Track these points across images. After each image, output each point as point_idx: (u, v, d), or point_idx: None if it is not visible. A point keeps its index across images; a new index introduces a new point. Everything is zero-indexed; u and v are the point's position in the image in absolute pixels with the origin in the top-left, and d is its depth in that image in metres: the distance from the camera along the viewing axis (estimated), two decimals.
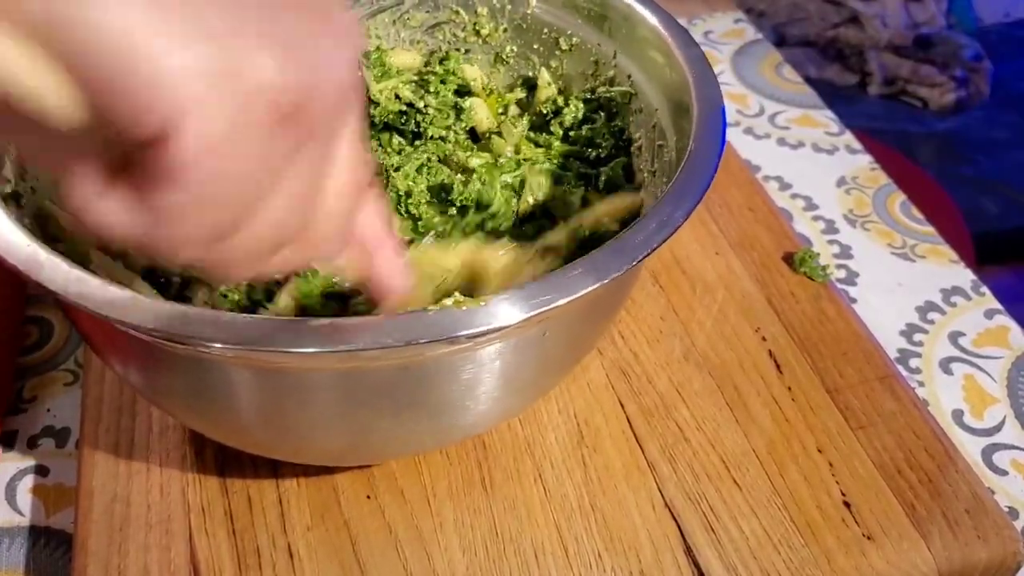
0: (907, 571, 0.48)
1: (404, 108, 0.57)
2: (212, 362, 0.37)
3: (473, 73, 0.59)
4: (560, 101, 0.57)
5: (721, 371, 0.57)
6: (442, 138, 0.56)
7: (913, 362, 0.63)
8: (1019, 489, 0.55)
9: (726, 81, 0.88)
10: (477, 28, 0.59)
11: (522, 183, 0.53)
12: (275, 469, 0.51)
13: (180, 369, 0.39)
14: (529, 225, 0.52)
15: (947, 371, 0.62)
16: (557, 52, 0.58)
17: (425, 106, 0.57)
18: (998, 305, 0.67)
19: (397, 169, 0.52)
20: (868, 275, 0.69)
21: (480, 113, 0.57)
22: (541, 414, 0.54)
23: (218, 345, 0.33)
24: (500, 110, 0.59)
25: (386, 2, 0.59)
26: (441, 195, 0.52)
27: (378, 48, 0.59)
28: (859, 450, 0.53)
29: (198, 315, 0.33)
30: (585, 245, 0.49)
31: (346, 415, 0.40)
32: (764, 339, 0.59)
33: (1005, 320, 0.66)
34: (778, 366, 0.57)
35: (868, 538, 0.49)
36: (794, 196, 0.76)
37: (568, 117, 0.56)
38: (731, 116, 0.83)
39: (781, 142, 0.81)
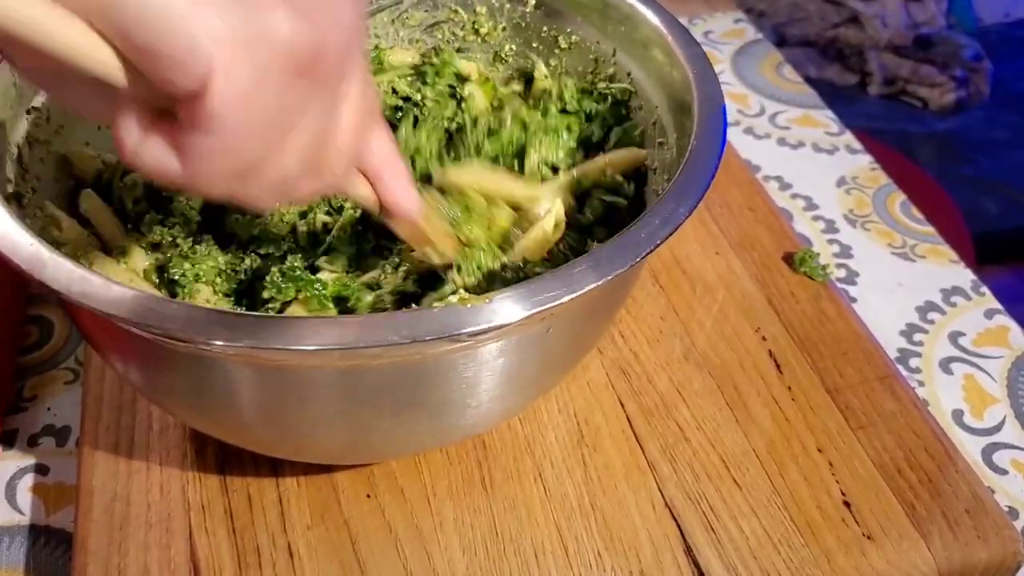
0: (907, 571, 0.48)
1: (400, 103, 0.57)
2: (213, 360, 0.37)
3: (469, 67, 0.59)
4: (555, 91, 0.57)
5: (721, 371, 0.57)
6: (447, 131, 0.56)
7: (913, 362, 0.63)
8: (1019, 489, 0.55)
9: (726, 81, 0.88)
10: (476, 27, 0.59)
11: (523, 148, 0.54)
12: (275, 468, 0.51)
13: (182, 367, 0.39)
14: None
15: (947, 371, 0.62)
16: (556, 50, 0.58)
17: (423, 98, 0.57)
18: (998, 305, 0.67)
19: None
20: (868, 275, 0.69)
21: (480, 103, 0.57)
22: (541, 413, 0.54)
23: (220, 343, 0.33)
24: (495, 103, 0.59)
25: (385, 1, 0.59)
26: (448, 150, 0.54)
27: (376, 47, 0.59)
28: (859, 450, 0.53)
29: (201, 313, 0.33)
30: (583, 198, 0.51)
31: (347, 413, 0.40)
32: (764, 339, 0.59)
33: (1005, 320, 0.66)
34: (778, 366, 0.57)
35: (868, 538, 0.49)
36: (794, 196, 0.76)
37: (567, 95, 0.56)
38: (731, 116, 0.83)
39: (781, 142, 0.81)
